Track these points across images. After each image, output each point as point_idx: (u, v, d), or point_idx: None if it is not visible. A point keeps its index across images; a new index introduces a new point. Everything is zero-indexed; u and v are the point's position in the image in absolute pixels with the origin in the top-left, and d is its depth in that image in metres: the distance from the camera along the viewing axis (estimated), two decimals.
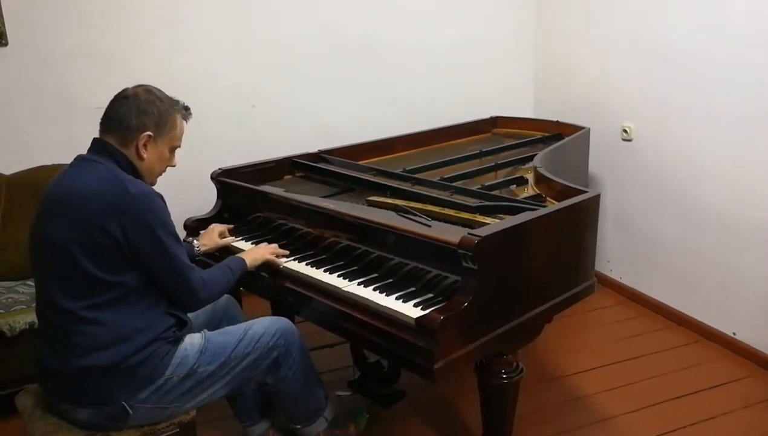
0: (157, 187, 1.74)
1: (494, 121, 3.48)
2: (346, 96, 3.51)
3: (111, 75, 2.95)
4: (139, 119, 1.69)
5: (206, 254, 2.18)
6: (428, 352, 1.57)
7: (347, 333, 1.86)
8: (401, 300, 1.74)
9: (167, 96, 1.77)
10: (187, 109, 1.82)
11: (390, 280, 1.88)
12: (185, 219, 2.42)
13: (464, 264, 1.65)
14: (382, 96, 3.58)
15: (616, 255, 3.48)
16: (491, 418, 1.99)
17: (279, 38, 3.32)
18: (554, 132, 3.19)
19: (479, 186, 2.32)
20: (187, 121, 1.82)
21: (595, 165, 3.35)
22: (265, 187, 2.43)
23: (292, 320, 1.98)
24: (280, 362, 1.88)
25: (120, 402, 1.64)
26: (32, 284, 2.52)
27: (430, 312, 1.62)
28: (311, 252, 2.12)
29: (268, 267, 2.06)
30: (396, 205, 2.18)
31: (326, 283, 1.91)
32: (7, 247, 2.68)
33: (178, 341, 1.74)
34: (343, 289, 1.85)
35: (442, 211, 2.09)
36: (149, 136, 1.70)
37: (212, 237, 2.21)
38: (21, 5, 2.84)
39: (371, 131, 3.12)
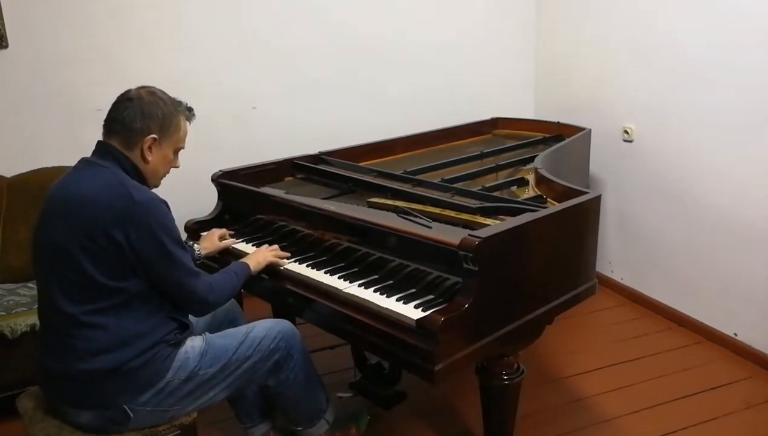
0: (157, 190, 1.74)
1: (495, 123, 3.48)
2: (347, 97, 3.51)
3: (111, 77, 2.96)
4: (143, 122, 1.68)
5: (207, 257, 2.18)
6: (429, 353, 1.57)
7: (348, 335, 1.86)
8: (402, 302, 1.74)
9: (171, 97, 1.76)
10: (190, 110, 1.81)
11: (391, 281, 1.88)
12: (186, 221, 2.42)
13: (465, 265, 1.65)
14: (382, 97, 3.58)
15: (617, 256, 3.47)
16: (492, 420, 1.98)
17: (280, 40, 3.32)
18: (555, 133, 3.18)
19: (480, 187, 2.32)
20: (190, 123, 1.82)
21: (596, 166, 3.34)
22: (266, 189, 2.43)
23: (293, 322, 1.98)
24: (282, 365, 1.88)
25: (121, 405, 1.64)
26: (33, 286, 2.53)
27: (430, 314, 1.62)
28: (312, 254, 2.12)
29: (270, 269, 2.06)
30: (397, 206, 2.18)
31: (327, 284, 1.91)
32: (8, 249, 2.68)
33: (179, 344, 1.74)
34: (344, 290, 1.85)
35: (443, 213, 2.09)
36: (154, 139, 1.70)
37: (212, 240, 2.21)
38: (21, 7, 2.84)
39: (372, 133, 3.12)
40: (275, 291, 2.07)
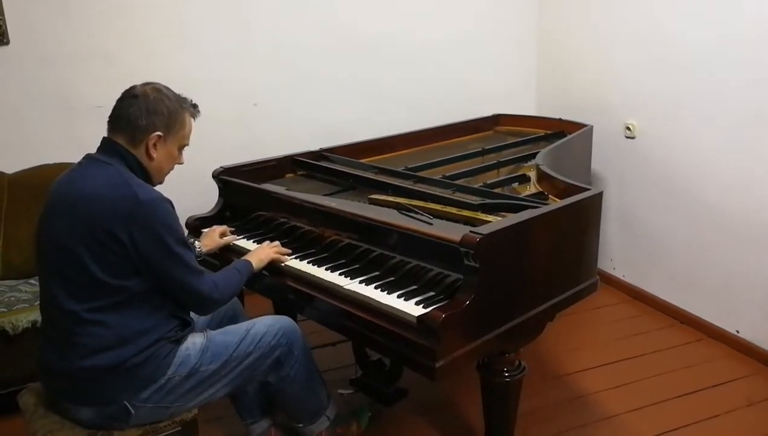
0: (158, 186, 1.73)
1: (496, 119, 3.48)
2: (348, 95, 3.50)
3: (112, 74, 2.96)
4: (148, 119, 1.67)
5: (208, 254, 2.18)
6: (430, 350, 1.56)
7: (349, 331, 1.86)
8: (403, 298, 1.74)
9: (176, 94, 1.75)
10: (195, 106, 1.80)
11: (392, 278, 1.88)
12: (187, 217, 2.42)
13: (466, 262, 1.65)
14: (383, 95, 3.57)
15: (618, 253, 3.47)
16: (493, 417, 1.99)
17: (281, 37, 3.31)
18: (557, 130, 3.18)
19: (481, 184, 2.32)
20: (195, 120, 1.81)
21: (597, 163, 3.34)
22: (267, 186, 2.43)
23: (294, 319, 1.98)
24: (282, 361, 1.88)
25: (122, 402, 1.64)
26: (35, 282, 2.53)
27: (431, 310, 1.62)
28: (313, 250, 2.12)
29: (271, 266, 2.05)
30: (398, 203, 2.18)
31: (328, 281, 1.91)
32: (9, 246, 2.69)
33: (181, 340, 1.74)
34: (345, 287, 1.85)
35: (444, 210, 2.09)
36: (159, 136, 1.69)
37: (213, 237, 2.21)
38: (22, 4, 2.83)
39: (373, 130, 3.12)
40: (276, 288, 2.07)
